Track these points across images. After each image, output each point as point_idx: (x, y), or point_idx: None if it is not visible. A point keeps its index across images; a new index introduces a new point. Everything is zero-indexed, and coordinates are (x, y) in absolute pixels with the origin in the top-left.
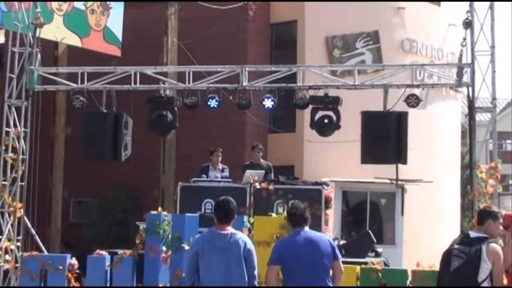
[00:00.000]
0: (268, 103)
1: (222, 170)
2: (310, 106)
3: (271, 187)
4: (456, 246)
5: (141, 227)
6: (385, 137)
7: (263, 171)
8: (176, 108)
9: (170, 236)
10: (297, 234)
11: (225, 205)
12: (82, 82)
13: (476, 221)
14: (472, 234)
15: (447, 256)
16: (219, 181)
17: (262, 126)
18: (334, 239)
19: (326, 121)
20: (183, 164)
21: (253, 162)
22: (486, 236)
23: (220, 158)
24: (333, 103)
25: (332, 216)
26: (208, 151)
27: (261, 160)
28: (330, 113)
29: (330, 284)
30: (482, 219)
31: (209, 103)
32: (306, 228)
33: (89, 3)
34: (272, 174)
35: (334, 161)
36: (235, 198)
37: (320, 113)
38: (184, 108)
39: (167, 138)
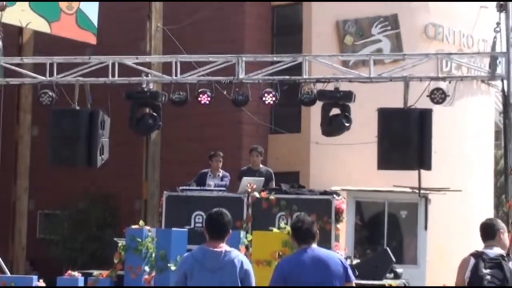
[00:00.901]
0: (269, 98)
1: (222, 178)
2: (318, 102)
3: (272, 197)
4: (487, 271)
5: (120, 244)
6: (406, 139)
7: (262, 179)
8: (161, 105)
9: (154, 255)
10: (303, 252)
11: (218, 218)
12: (51, 75)
13: (484, 237)
14: (490, 252)
15: (479, 285)
16: (211, 190)
17: (262, 126)
18: (346, 258)
19: (337, 119)
20: (169, 170)
21: (251, 168)
22: (503, 253)
23: (221, 164)
24: (345, 98)
25: (344, 231)
26: (198, 154)
27: (261, 165)
28: (341, 110)
29: None
30: (492, 233)
31: (199, 99)
32: (314, 245)
33: None
34: (274, 182)
35: (346, 167)
36: (230, 210)
37: (331, 110)
38: (170, 105)
39: (151, 140)
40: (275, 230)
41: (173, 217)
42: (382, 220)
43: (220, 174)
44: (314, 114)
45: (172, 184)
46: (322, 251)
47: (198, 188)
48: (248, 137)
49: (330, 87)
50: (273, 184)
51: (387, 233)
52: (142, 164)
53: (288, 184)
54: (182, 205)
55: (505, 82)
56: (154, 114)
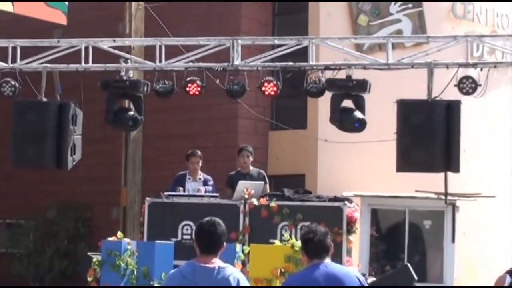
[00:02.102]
0: (269, 88)
1: (205, 182)
2: (327, 93)
3: (273, 204)
4: None
5: (94, 259)
6: (430, 136)
7: (261, 182)
8: (142, 96)
9: (134, 272)
10: (315, 268)
11: (210, 229)
12: (14, 61)
13: None
14: None
15: None
16: (202, 196)
17: (261, 121)
18: None
19: (349, 113)
20: (152, 173)
21: (241, 172)
22: None
23: (199, 165)
24: (358, 88)
25: (357, 243)
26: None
27: (251, 167)
28: (354, 102)
29: None
30: None
31: (188, 89)
32: (327, 260)
33: None
34: (268, 186)
35: (360, 169)
36: (224, 219)
37: (341, 103)
38: (154, 96)
39: (131, 137)
40: (276, 243)
41: (157, 227)
42: (402, 231)
43: (201, 177)
44: (322, 107)
45: (156, 189)
46: (337, 267)
47: (186, 194)
48: (244, 134)
49: (341, 75)
50: (267, 189)
51: (408, 247)
52: (120, 165)
53: (291, 189)
54: (168, 214)
55: None
56: (135, 107)
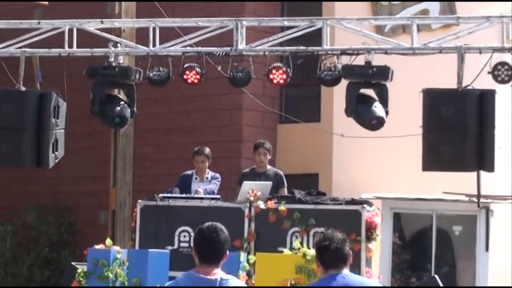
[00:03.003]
0: (278, 76)
1: (211, 181)
2: (343, 81)
3: (282, 207)
4: None
5: (79, 270)
6: (461, 130)
7: (269, 183)
8: (134, 85)
9: (125, 284)
10: (331, 280)
11: (211, 236)
12: None
13: None
14: None
15: None
16: (201, 198)
17: (269, 113)
18: None
19: (368, 106)
20: (145, 172)
21: (256, 170)
22: None
23: (206, 164)
24: (379, 76)
25: (378, 252)
26: (184, 151)
27: (269, 166)
28: (375, 91)
29: None
30: None
31: (186, 77)
32: (346, 271)
33: None
34: (285, 189)
35: (381, 167)
36: (227, 225)
37: (359, 91)
38: (147, 85)
39: (121, 131)
40: (286, 251)
41: (150, 234)
42: (429, 238)
43: (209, 177)
44: (338, 97)
45: (149, 190)
46: (356, 279)
47: (184, 195)
48: (250, 128)
49: (359, 61)
50: (285, 191)
51: (436, 256)
52: (109, 163)
53: (303, 191)
54: (163, 219)
55: None
56: (126, 97)
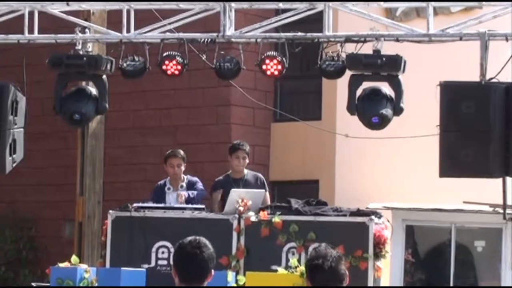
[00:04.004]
0: (272, 67)
1: (190, 186)
2: (348, 73)
3: (276, 219)
4: None
5: None
6: (484, 130)
7: (262, 191)
8: (105, 77)
9: None
10: None
11: (193, 253)
12: None
13: None
14: None
15: None
16: (183, 209)
17: (261, 109)
18: None
19: (372, 101)
20: (117, 179)
21: (231, 176)
22: None
23: (182, 169)
24: (390, 67)
25: (388, 271)
26: (164, 154)
27: (245, 170)
28: (384, 85)
29: None
30: None
31: (165, 67)
32: None
33: None
34: (267, 195)
35: (391, 173)
36: (213, 240)
37: (366, 85)
38: (120, 77)
39: (89, 131)
40: (281, 270)
41: (123, 250)
42: (447, 254)
43: (184, 184)
44: (341, 91)
45: (122, 200)
46: None
47: (162, 205)
48: (239, 127)
49: (366, 49)
50: (267, 199)
51: (455, 275)
52: (75, 168)
53: (301, 200)
54: (137, 232)
55: None
56: (95, 90)
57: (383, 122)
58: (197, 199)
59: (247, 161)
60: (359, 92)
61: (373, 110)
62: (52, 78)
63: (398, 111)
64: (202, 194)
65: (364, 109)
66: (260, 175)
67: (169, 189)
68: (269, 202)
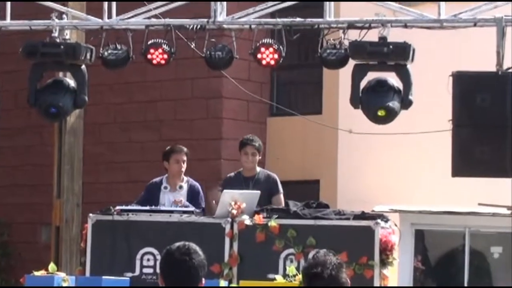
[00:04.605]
0: (268, 56)
1: (192, 194)
2: (351, 62)
3: (273, 223)
4: None
5: None
6: (500, 125)
7: (257, 192)
8: (84, 67)
9: None
10: None
11: (182, 259)
12: None
13: None
14: None
15: None
16: (171, 212)
17: (256, 102)
18: None
19: (380, 91)
20: (98, 179)
21: (242, 174)
22: None
23: (184, 167)
24: (397, 55)
25: (395, 279)
26: (148, 151)
27: (258, 168)
28: (391, 76)
29: None
30: None
31: (150, 56)
32: None
33: None
34: (281, 197)
35: (399, 172)
36: (203, 246)
37: (371, 76)
38: (101, 67)
39: (67, 126)
40: (278, 278)
41: (105, 257)
42: (461, 261)
43: (184, 186)
44: (344, 82)
45: (103, 202)
46: None
47: (147, 208)
48: (232, 122)
49: (372, 36)
50: (281, 200)
51: (469, 283)
52: (52, 167)
53: (300, 202)
54: (120, 238)
55: None
56: (73, 82)
57: (389, 115)
58: (196, 203)
59: (258, 157)
60: (363, 83)
61: (378, 103)
62: (26, 68)
63: (406, 104)
64: (201, 212)
65: (369, 102)
66: (274, 175)
67: (166, 188)
68: (282, 205)
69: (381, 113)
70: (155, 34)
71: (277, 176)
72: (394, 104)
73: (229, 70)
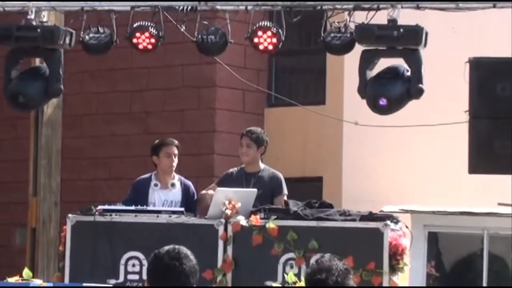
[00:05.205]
0: (266, 41)
1: (186, 194)
2: (357, 47)
3: (271, 224)
4: None
5: None
6: None
7: (254, 190)
8: (62, 52)
9: None
10: None
11: (171, 265)
12: None
13: None
14: None
15: None
16: (158, 212)
17: (253, 92)
18: None
19: (387, 78)
20: (77, 176)
21: (244, 170)
22: None
23: (175, 162)
24: (408, 40)
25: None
26: (134, 146)
27: (262, 165)
28: (400, 62)
29: None
30: None
31: (135, 41)
32: None
33: None
34: (284, 197)
35: (410, 169)
36: (195, 250)
37: (380, 62)
38: (81, 52)
39: (44, 118)
40: (276, 286)
41: (85, 261)
42: (478, 267)
43: (177, 184)
44: (349, 70)
45: (84, 201)
46: None
47: (133, 208)
48: (226, 113)
49: (380, 18)
50: (282, 200)
51: None
52: (28, 163)
53: (301, 201)
54: (103, 241)
55: None
56: (49, 69)
57: (392, 105)
58: (190, 203)
59: (255, 150)
60: (376, 71)
61: (381, 91)
62: (1, 54)
63: (416, 92)
64: (192, 213)
65: (371, 90)
66: (279, 174)
67: (156, 185)
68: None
69: (382, 101)
70: (141, 16)
71: (282, 176)
72: (399, 92)
73: (222, 56)
